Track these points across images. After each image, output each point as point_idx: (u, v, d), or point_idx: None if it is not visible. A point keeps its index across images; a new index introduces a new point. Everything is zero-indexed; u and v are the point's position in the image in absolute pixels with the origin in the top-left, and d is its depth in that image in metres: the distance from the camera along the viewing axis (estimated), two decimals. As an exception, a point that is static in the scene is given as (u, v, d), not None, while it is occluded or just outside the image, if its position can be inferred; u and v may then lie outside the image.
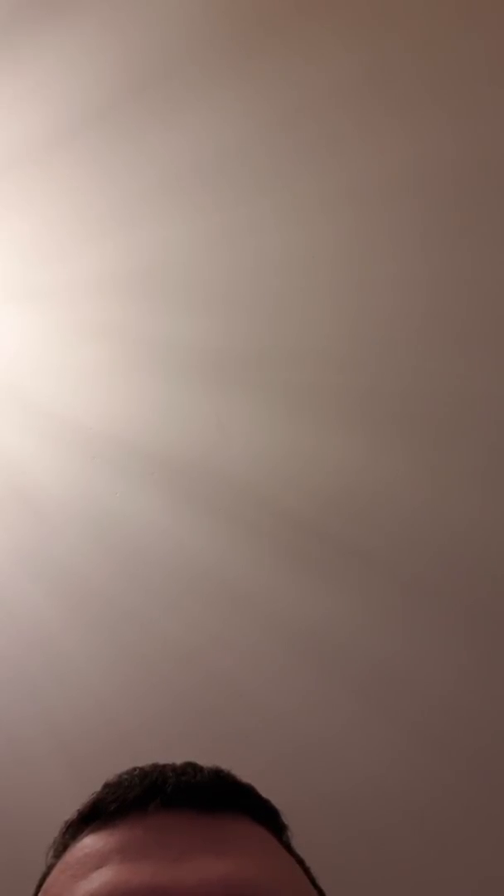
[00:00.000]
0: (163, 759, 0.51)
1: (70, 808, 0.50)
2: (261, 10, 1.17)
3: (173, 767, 0.49)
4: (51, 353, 1.31)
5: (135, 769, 0.49)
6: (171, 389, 1.31)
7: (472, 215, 1.21)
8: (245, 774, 0.51)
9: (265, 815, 0.49)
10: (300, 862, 0.50)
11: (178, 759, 0.51)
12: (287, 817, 0.51)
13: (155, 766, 0.49)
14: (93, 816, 0.47)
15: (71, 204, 1.26)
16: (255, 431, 1.32)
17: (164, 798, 0.46)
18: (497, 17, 1.13)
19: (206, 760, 0.51)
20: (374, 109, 1.19)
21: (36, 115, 1.24)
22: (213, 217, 1.25)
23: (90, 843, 0.45)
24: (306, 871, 0.50)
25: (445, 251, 1.22)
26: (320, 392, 1.30)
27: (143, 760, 0.51)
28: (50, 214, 1.27)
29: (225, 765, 0.51)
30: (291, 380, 1.30)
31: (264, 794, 0.51)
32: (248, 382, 1.31)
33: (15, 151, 1.25)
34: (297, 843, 0.52)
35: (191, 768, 0.49)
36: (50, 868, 0.48)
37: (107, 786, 0.49)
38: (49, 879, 0.47)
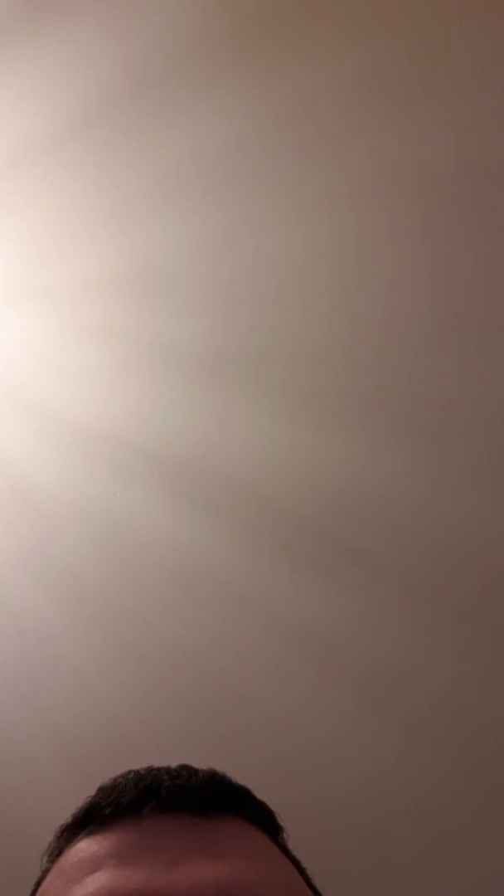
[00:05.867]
0: (162, 759, 0.51)
1: (70, 808, 0.50)
2: (260, 10, 1.17)
3: (168, 770, 0.49)
4: (51, 353, 1.31)
5: (129, 772, 0.49)
6: (171, 389, 1.31)
7: (471, 215, 1.21)
8: (245, 774, 0.51)
9: (260, 818, 0.49)
10: (296, 863, 0.50)
11: (178, 759, 0.51)
12: (286, 817, 0.51)
13: (149, 770, 0.49)
14: (87, 820, 0.47)
15: (71, 204, 1.26)
16: (255, 431, 1.32)
17: (158, 802, 0.46)
18: (496, 17, 1.13)
19: (205, 760, 0.51)
20: (374, 109, 1.19)
21: (36, 115, 1.24)
22: (213, 217, 1.25)
23: (85, 847, 0.45)
24: (302, 872, 0.50)
25: (445, 251, 1.22)
26: (320, 392, 1.30)
27: (143, 760, 0.51)
28: (50, 214, 1.27)
29: (225, 765, 0.51)
30: (291, 379, 1.30)
31: (264, 794, 0.51)
32: (248, 382, 1.31)
33: (15, 151, 1.25)
34: (297, 842, 0.52)
35: (185, 771, 0.49)
36: (45, 873, 0.48)
37: (101, 789, 0.48)
38: (44, 884, 0.47)
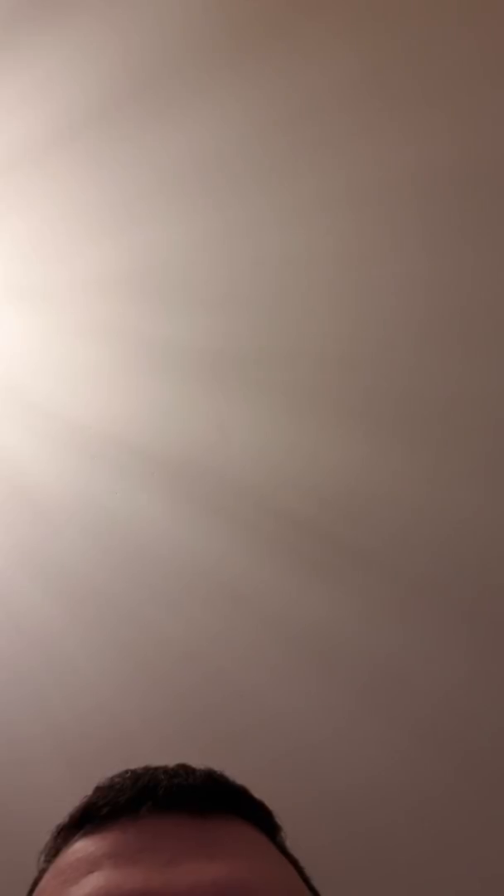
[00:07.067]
0: (162, 759, 0.51)
1: (69, 808, 0.50)
2: (261, 9, 1.17)
3: (165, 770, 0.48)
4: (51, 353, 1.31)
5: (126, 772, 0.49)
6: (171, 389, 1.31)
7: (471, 215, 1.21)
8: (245, 774, 0.51)
9: (258, 817, 0.49)
10: (294, 863, 0.49)
11: (178, 759, 0.51)
12: (286, 817, 0.51)
13: (147, 769, 0.49)
14: (84, 820, 0.47)
15: (71, 204, 1.26)
16: (254, 431, 1.32)
17: (155, 801, 0.46)
18: (496, 17, 1.13)
19: (205, 760, 0.51)
20: (374, 109, 1.19)
21: (36, 116, 1.24)
22: (213, 217, 1.25)
23: (82, 847, 0.45)
24: (300, 871, 0.49)
25: (445, 251, 1.22)
26: (320, 392, 1.30)
27: (143, 760, 0.51)
28: (50, 214, 1.27)
29: (225, 765, 0.51)
30: (291, 380, 1.30)
31: (264, 794, 0.51)
32: (248, 382, 1.31)
33: (15, 151, 1.25)
34: (297, 842, 0.51)
35: (183, 770, 0.48)
36: (42, 873, 0.47)
37: (98, 789, 0.48)
38: (41, 884, 0.47)
